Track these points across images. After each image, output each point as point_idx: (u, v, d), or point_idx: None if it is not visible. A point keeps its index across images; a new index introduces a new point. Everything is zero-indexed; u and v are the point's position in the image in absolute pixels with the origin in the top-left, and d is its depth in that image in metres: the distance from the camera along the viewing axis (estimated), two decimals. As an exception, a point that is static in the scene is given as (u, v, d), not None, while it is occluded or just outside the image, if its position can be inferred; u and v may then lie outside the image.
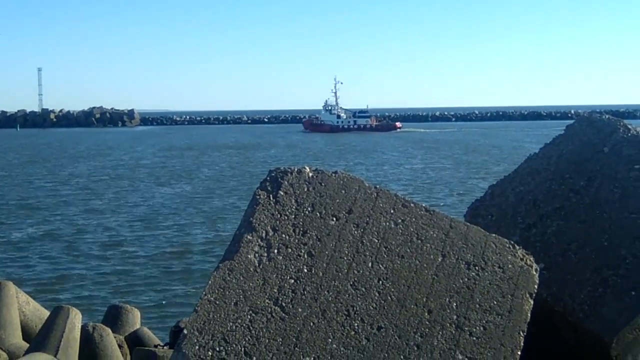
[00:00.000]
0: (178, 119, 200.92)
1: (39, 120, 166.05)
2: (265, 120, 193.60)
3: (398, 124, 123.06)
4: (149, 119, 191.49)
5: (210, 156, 65.66)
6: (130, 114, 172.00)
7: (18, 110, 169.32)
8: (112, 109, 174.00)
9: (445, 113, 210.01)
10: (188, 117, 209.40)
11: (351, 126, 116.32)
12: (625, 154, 4.41)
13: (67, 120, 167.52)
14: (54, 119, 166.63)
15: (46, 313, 8.89)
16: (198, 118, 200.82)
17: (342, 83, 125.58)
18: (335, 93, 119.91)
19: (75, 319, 7.98)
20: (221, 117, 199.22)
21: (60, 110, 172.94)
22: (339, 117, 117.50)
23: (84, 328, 8.24)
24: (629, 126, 4.58)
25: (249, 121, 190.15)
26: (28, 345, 8.12)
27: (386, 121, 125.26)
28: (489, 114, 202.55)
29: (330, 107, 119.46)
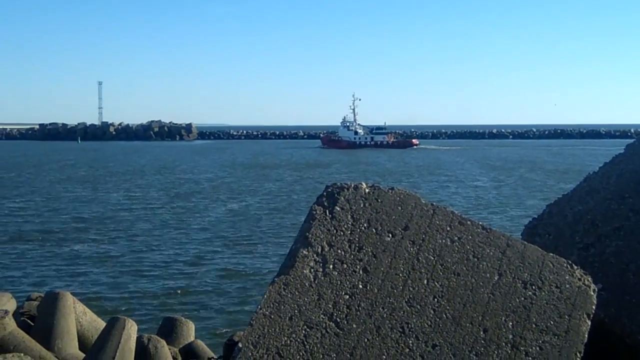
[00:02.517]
0: (235, 133, 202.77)
1: (98, 132, 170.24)
2: (287, 135, 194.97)
3: (415, 140, 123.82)
4: (206, 133, 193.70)
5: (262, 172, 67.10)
6: (188, 128, 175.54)
7: (78, 123, 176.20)
8: (170, 122, 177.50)
9: (502, 130, 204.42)
10: (245, 131, 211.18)
11: (368, 142, 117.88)
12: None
13: (126, 133, 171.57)
14: (114, 132, 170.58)
15: (102, 324, 9.02)
16: (250, 132, 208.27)
17: (360, 100, 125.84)
18: (354, 110, 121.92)
19: (131, 330, 8.07)
20: (255, 132, 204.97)
21: (120, 124, 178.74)
22: (356, 133, 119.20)
23: (139, 339, 8.34)
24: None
25: (272, 136, 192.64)
26: (84, 355, 8.30)
27: (403, 138, 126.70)
28: (546, 132, 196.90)
29: (348, 124, 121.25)
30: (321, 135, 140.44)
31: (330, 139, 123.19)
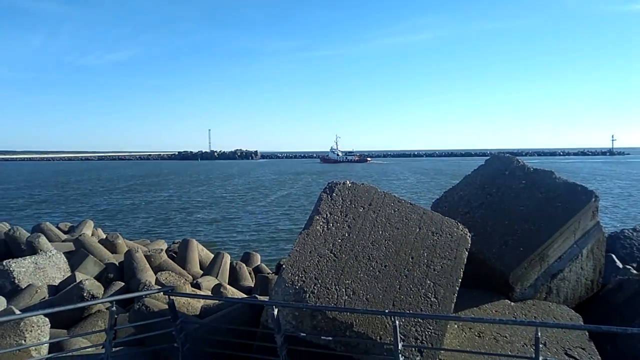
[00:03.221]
0: (279, 155, 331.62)
1: (209, 155, 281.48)
2: (301, 156, 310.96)
3: (369, 158, 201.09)
4: (265, 155, 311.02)
5: (297, 177, 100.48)
6: (255, 152, 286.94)
7: (199, 150, 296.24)
8: (246, 150, 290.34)
9: (417, 152, 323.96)
10: (283, 154, 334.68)
11: (344, 160, 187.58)
12: (517, 174, 7.56)
13: (224, 155, 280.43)
14: (217, 155, 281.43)
15: (211, 255, 14.52)
16: (303, 155, 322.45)
17: (340, 137, 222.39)
18: (336, 142, 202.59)
19: (226, 259, 13.64)
20: (280, 154, 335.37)
21: (220, 150, 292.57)
22: (337, 155, 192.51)
23: (231, 263, 13.81)
24: (519, 160, 7.79)
25: (290, 157, 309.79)
26: (202, 272, 13.47)
27: (362, 157, 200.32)
28: (443, 153, 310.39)
29: (333, 150, 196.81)
30: (319, 156, 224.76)
31: (324, 158, 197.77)
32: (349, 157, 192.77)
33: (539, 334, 4.69)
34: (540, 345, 4.74)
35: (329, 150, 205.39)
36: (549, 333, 6.41)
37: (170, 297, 6.30)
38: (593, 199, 7.46)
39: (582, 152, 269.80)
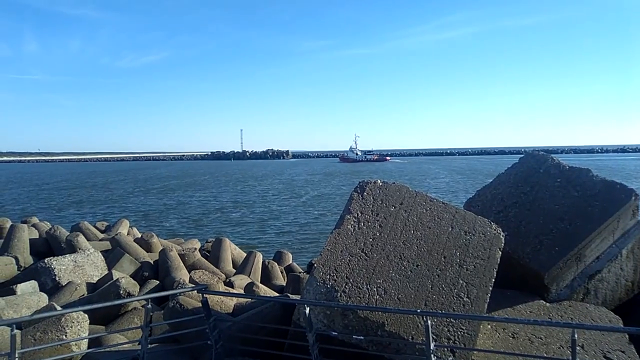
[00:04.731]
0: (310, 154, 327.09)
1: (241, 155, 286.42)
2: (310, 156, 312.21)
3: (388, 157, 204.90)
4: (296, 155, 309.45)
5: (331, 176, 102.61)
6: (287, 152, 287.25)
7: (231, 150, 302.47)
8: (277, 149, 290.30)
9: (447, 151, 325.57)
10: (323, 154, 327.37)
11: (362, 159, 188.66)
12: (552, 172, 7.39)
13: (256, 155, 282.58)
14: (249, 155, 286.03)
15: (244, 254, 14.84)
16: (325, 155, 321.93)
17: (359, 137, 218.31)
18: (355, 141, 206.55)
19: (258, 257, 13.83)
20: (311, 154, 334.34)
21: (252, 150, 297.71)
22: (356, 154, 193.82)
23: (263, 262, 14.06)
24: (554, 158, 7.61)
25: (316, 156, 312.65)
26: (235, 271, 13.73)
27: (381, 156, 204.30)
28: (468, 151, 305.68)
29: (352, 149, 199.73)
30: (338, 156, 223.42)
31: (344, 157, 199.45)
32: (368, 157, 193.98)
33: (576, 335, 4.58)
34: (578, 348, 4.63)
35: (348, 149, 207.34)
36: (587, 335, 6.25)
37: (204, 295, 6.40)
38: (633, 198, 7.23)
39: (622, 149, 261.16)
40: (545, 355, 5.89)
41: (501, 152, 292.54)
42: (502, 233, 6.60)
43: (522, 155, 8.14)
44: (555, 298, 6.95)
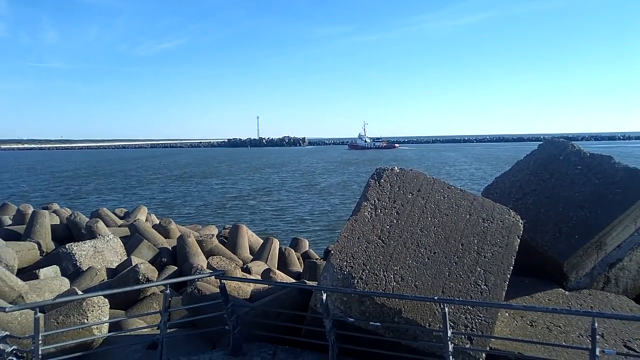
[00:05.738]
0: (327, 142, 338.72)
1: (257, 142, 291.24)
2: (326, 143, 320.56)
3: (396, 144, 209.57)
4: (312, 142, 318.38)
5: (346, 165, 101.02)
6: (303, 139, 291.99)
7: (247, 138, 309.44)
8: (294, 137, 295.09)
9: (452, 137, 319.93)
10: (332, 141, 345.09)
11: (371, 146, 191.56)
12: (572, 160, 7.27)
13: (272, 142, 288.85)
14: (265, 142, 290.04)
15: (261, 241, 15.01)
16: (334, 142, 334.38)
17: (367, 124, 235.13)
18: (364, 128, 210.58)
19: (275, 244, 13.96)
20: (327, 141, 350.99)
21: (269, 138, 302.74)
22: (365, 141, 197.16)
23: (280, 249, 14.25)
24: (574, 144, 7.48)
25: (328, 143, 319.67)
26: (252, 257, 13.88)
27: (390, 143, 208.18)
28: (486, 138, 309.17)
29: (361, 137, 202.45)
30: (347, 143, 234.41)
31: (353, 144, 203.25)
32: (377, 144, 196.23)
33: (596, 324, 4.53)
34: (597, 337, 4.58)
35: (357, 136, 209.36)
36: (607, 324, 6.19)
37: (222, 281, 6.46)
38: (656, 185, 7.09)
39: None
40: (564, 343, 5.85)
41: (519, 139, 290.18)
42: (520, 220, 6.52)
43: (542, 142, 8.03)
44: (574, 286, 6.88)
